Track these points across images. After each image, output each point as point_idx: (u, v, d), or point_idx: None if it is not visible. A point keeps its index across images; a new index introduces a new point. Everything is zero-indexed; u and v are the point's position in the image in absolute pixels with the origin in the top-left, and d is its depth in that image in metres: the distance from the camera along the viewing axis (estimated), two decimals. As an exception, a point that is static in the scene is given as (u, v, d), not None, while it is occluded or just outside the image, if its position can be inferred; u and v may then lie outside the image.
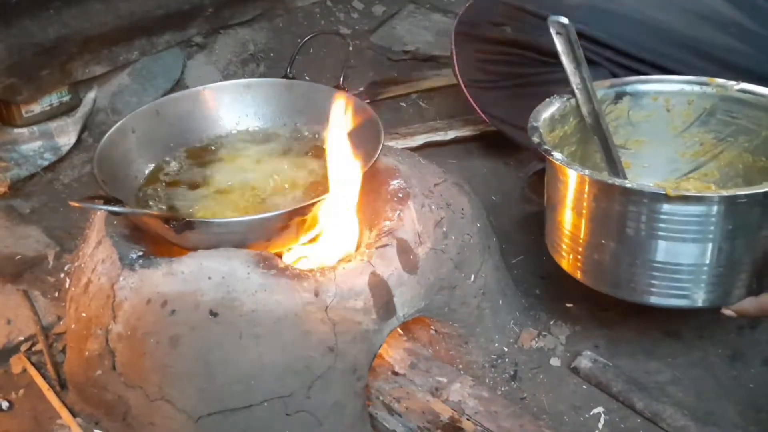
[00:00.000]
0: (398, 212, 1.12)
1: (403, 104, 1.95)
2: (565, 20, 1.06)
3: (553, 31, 1.08)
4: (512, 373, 1.21)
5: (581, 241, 1.07)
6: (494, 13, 1.47)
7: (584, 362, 1.20)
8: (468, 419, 1.08)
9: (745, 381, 1.18)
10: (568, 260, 1.11)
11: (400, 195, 1.15)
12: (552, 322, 1.28)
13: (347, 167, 1.05)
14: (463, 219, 1.20)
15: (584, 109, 1.13)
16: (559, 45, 1.09)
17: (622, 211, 1.01)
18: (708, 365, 1.21)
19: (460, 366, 1.20)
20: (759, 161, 1.17)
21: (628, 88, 1.21)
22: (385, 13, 2.26)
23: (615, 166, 1.14)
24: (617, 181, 1.01)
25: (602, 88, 1.19)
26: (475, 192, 1.31)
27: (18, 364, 1.25)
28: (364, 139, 1.09)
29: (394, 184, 1.17)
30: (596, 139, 1.14)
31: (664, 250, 1.00)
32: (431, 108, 1.92)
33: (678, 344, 1.25)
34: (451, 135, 1.76)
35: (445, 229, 1.16)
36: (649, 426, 1.12)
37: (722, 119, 1.19)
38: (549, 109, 1.14)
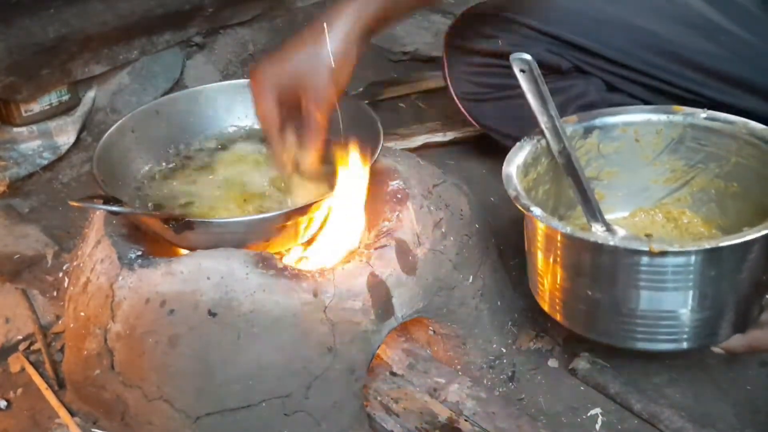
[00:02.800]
0: (397, 213, 1.12)
1: (402, 105, 1.95)
2: (527, 56, 1.05)
3: (516, 69, 1.06)
4: (510, 374, 1.21)
5: (562, 290, 1.07)
6: (484, 24, 1.46)
7: (582, 363, 1.20)
8: (466, 420, 1.08)
9: (742, 383, 1.19)
10: (551, 306, 1.10)
11: (399, 196, 1.15)
12: (550, 324, 1.28)
13: (351, 168, 1.05)
14: (462, 220, 1.21)
15: (554, 149, 1.11)
16: (524, 83, 1.06)
17: (603, 265, 1.00)
18: (705, 367, 1.21)
19: (459, 367, 1.20)
20: (731, 187, 1.17)
21: (597, 122, 1.20)
22: (384, 13, 2.26)
23: (589, 204, 1.11)
24: (599, 239, 1.01)
25: (570, 124, 1.18)
26: (474, 193, 1.30)
27: (16, 363, 1.25)
28: (364, 139, 1.09)
29: (393, 185, 1.17)
30: (569, 177, 1.12)
31: (647, 299, 0.99)
32: (430, 109, 1.92)
33: (676, 346, 1.25)
34: (450, 136, 1.76)
35: (444, 230, 1.16)
36: (647, 427, 1.12)
37: (691, 146, 1.19)
38: (521, 154, 1.13)
